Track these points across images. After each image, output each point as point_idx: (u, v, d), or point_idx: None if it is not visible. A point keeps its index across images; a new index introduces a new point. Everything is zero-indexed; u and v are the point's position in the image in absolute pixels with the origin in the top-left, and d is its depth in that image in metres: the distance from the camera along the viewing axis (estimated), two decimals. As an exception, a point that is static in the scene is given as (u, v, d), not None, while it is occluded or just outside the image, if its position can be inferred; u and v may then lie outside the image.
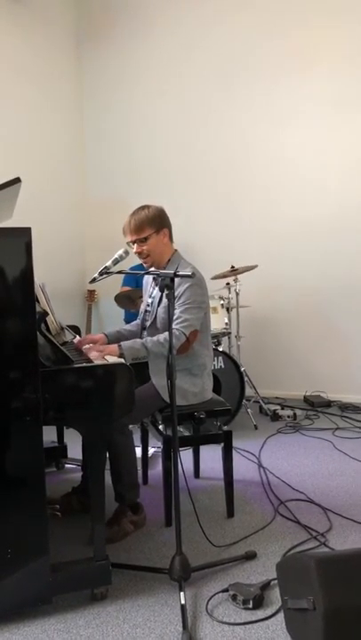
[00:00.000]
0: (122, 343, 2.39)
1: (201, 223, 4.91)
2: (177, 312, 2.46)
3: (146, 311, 2.73)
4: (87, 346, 2.54)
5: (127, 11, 5.19)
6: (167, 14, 5.05)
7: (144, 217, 2.51)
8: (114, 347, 2.37)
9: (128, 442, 2.45)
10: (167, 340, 2.32)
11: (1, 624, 1.87)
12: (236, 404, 3.88)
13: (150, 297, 2.72)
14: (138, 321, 2.85)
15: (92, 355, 2.29)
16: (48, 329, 2.18)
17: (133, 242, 2.55)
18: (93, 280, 2.47)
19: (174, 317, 2.44)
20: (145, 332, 2.69)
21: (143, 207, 2.56)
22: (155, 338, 2.43)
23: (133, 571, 2.15)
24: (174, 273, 2.07)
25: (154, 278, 2.71)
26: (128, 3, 5.19)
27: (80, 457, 2.95)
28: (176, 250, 2.66)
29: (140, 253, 2.56)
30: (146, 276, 2.80)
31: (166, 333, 2.37)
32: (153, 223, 2.52)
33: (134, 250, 2.56)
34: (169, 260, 2.60)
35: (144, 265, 2.62)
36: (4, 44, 4.46)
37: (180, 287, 2.47)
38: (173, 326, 2.41)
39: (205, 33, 4.91)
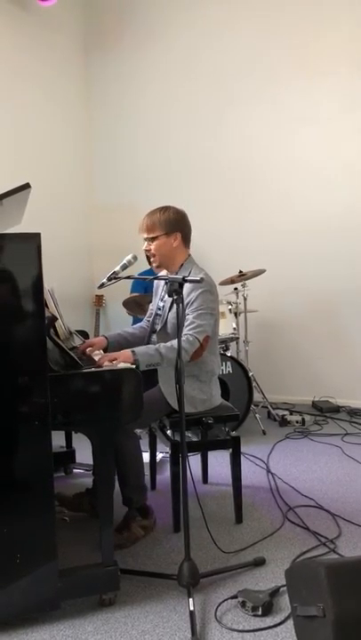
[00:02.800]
0: (135, 350, 2.31)
1: (209, 228, 4.90)
2: (190, 317, 2.45)
3: (156, 315, 2.73)
4: (98, 352, 2.53)
5: (134, 18, 5.22)
6: (174, 21, 5.07)
7: (157, 218, 2.53)
8: (127, 354, 2.29)
9: (134, 444, 2.44)
10: (182, 346, 2.32)
11: (9, 629, 1.87)
12: (244, 410, 3.87)
13: (162, 300, 2.71)
14: (142, 324, 2.84)
15: (106, 365, 2.23)
16: (57, 333, 2.18)
17: (145, 239, 2.58)
18: (102, 285, 2.48)
19: (187, 323, 2.44)
20: (154, 336, 2.68)
21: (163, 208, 2.57)
22: (168, 344, 2.37)
23: (142, 576, 2.14)
24: (183, 278, 2.07)
25: (165, 283, 2.70)
26: (135, 10, 5.22)
27: (88, 462, 2.95)
28: (190, 255, 2.66)
29: (147, 251, 2.58)
30: (157, 280, 2.80)
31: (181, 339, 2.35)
32: (165, 225, 2.52)
33: (144, 247, 2.58)
34: (182, 265, 2.61)
35: (152, 264, 2.63)
36: (11, 51, 4.50)
37: (193, 293, 2.47)
38: (186, 331, 2.40)
39: (212, 37, 4.93)
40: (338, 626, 1.52)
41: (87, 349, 2.52)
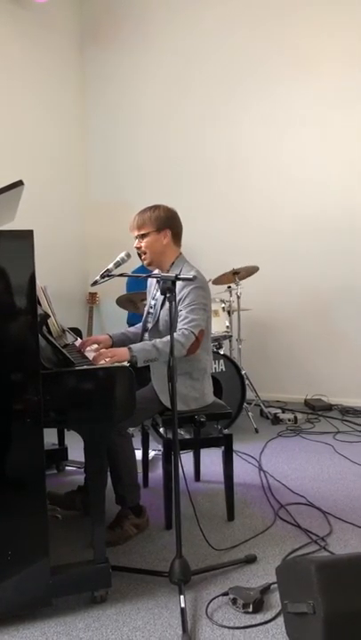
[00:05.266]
0: (131, 346, 2.33)
1: (203, 226, 4.91)
2: (183, 313, 2.46)
3: (148, 313, 2.74)
4: (90, 347, 2.53)
5: (131, 16, 5.20)
6: (170, 20, 5.06)
7: (148, 216, 2.56)
8: (124, 351, 2.29)
9: (127, 443, 2.45)
10: (178, 340, 2.33)
11: (0, 626, 1.87)
12: (236, 408, 3.88)
13: (153, 299, 2.72)
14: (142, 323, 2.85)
15: (101, 363, 2.22)
16: (49, 331, 2.18)
17: (136, 237, 2.60)
18: (95, 283, 2.48)
19: (181, 318, 2.45)
20: (146, 335, 2.68)
21: (153, 206, 2.60)
22: (164, 339, 2.39)
23: (133, 573, 2.15)
24: (176, 276, 2.08)
25: (157, 281, 2.71)
26: (132, 8, 5.20)
27: (81, 459, 2.95)
28: (181, 253, 2.67)
29: (138, 248, 2.60)
30: (150, 278, 2.81)
31: (176, 332, 2.36)
32: (155, 222, 2.54)
33: (135, 244, 2.60)
34: (173, 264, 2.61)
35: (143, 262, 2.65)
36: (6, 49, 4.48)
37: (185, 289, 2.48)
38: (181, 326, 2.42)
39: (208, 38, 4.92)
40: (327, 622, 1.53)
41: (91, 346, 2.52)
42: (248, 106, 4.84)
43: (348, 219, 4.57)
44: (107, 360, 2.20)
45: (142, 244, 2.57)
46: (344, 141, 4.55)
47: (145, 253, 2.59)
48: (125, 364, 2.24)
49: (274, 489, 2.96)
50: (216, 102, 4.96)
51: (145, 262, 2.63)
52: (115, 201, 5.33)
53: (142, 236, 2.56)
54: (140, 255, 2.63)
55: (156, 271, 2.65)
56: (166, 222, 2.56)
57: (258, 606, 1.92)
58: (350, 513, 2.65)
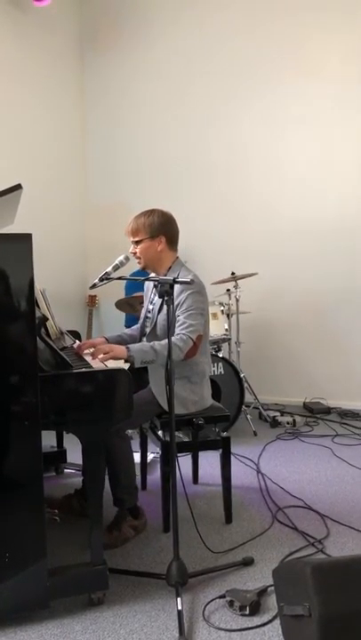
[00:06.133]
0: (130, 346, 2.35)
1: (202, 228, 4.93)
2: (181, 318, 2.47)
3: (146, 317, 2.75)
4: (87, 351, 2.54)
5: (130, 19, 5.23)
6: (170, 22, 5.09)
7: (142, 222, 2.57)
8: (122, 348, 2.32)
9: (125, 445, 2.45)
10: (176, 345, 2.34)
11: (-2, 628, 1.88)
12: (235, 411, 3.88)
13: (151, 303, 2.73)
14: (139, 326, 2.86)
15: (99, 357, 2.28)
16: (48, 334, 2.19)
17: (131, 242, 2.62)
18: (94, 286, 2.49)
19: (179, 323, 2.46)
20: (144, 339, 2.69)
21: (148, 212, 2.60)
22: (163, 341, 2.38)
23: (131, 576, 2.15)
24: (173, 279, 2.09)
25: (154, 285, 2.71)
26: (131, 11, 5.22)
27: (79, 462, 2.96)
28: (178, 257, 2.68)
29: (134, 253, 2.62)
30: (147, 282, 2.82)
31: (174, 337, 2.37)
32: (149, 229, 2.55)
33: (130, 249, 2.62)
34: (170, 268, 2.62)
35: (139, 266, 2.66)
36: (6, 51, 4.50)
37: (182, 294, 2.48)
38: (179, 331, 2.42)
39: (207, 39, 4.94)
40: (323, 625, 1.53)
41: (86, 350, 2.53)
42: (248, 109, 4.85)
43: (347, 220, 4.58)
44: (104, 355, 2.22)
45: (137, 249, 2.59)
46: (344, 142, 4.56)
47: (139, 259, 2.61)
48: (122, 363, 2.26)
49: (272, 492, 2.96)
50: (216, 103, 4.97)
51: (140, 267, 2.66)
52: (114, 203, 5.34)
53: (137, 243, 2.58)
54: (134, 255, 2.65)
55: (153, 274, 2.67)
56: (160, 229, 2.57)
57: (255, 609, 1.92)
58: (348, 516, 2.65)
